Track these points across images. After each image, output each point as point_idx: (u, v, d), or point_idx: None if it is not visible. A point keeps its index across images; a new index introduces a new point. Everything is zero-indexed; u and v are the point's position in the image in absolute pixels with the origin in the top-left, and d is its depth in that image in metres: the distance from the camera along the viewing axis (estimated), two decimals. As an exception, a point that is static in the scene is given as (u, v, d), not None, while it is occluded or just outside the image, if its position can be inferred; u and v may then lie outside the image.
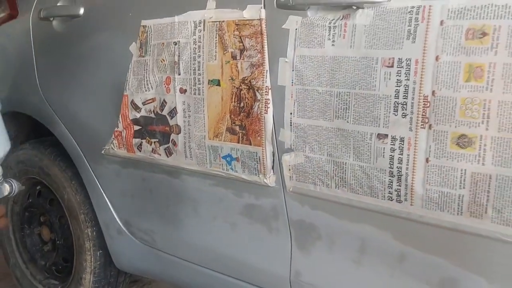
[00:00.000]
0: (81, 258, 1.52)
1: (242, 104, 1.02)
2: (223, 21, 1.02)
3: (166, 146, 1.18)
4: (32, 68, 1.48)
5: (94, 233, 1.48)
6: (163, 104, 1.16)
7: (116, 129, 1.27)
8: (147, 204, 1.31)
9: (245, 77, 1.00)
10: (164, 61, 1.13)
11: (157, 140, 1.19)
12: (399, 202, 0.85)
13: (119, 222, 1.39)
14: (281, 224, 1.05)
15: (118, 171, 1.34)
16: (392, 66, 0.81)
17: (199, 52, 1.07)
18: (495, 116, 0.73)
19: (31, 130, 1.80)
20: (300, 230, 1.02)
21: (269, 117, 0.98)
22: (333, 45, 0.88)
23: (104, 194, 1.40)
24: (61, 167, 1.53)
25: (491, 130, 0.74)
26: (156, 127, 1.19)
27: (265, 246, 1.09)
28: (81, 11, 1.34)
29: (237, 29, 1.00)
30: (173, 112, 1.14)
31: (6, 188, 1.15)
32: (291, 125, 0.96)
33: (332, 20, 0.88)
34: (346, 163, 0.90)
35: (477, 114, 0.74)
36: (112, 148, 1.30)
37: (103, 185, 1.40)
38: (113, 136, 1.28)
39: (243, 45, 1.00)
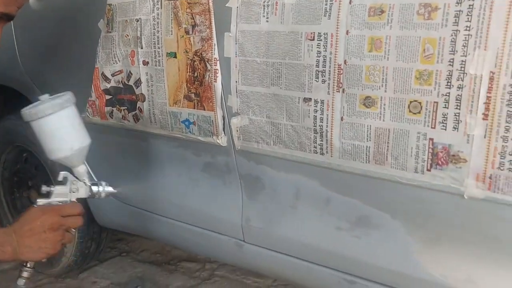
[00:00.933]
0: (66, 216, 1.68)
1: (195, 74, 1.16)
2: (177, 0, 1.16)
3: (134, 113, 1.33)
4: (12, 44, 1.61)
5: (77, 194, 1.64)
6: (129, 75, 1.30)
7: (90, 98, 1.41)
8: (121, 166, 1.47)
9: (197, 49, 1.14)
10: (128, 36, 1.27)
11: (126, 107, 1.34)
12: (322, 154, 1.01)
13: (97, 182, 1.55)
14: (233, 178, 1.22)
15: (93, 137, 1.48)
16: (313, 39, 0.96)
17: (158, 28, 1.21)
18: (391, 80, 0.88)
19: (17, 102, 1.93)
20: (249, 182, 1.19)
21: (218, 85, 1.13)
22: (267, 21, 1.02)
23: (83, 158, 1.55)
24: (44, 135, 1.67)
25: (388, 92, 0.89)
26: (124, 96, 1.33)
27: (221, 198, 1.26)
28: (55, -10, 1.46)
29: (189, 7, 1.14)
30: (138, 82, 1.28)
31: (83, 191, 1.08)
32: (236, 92, 1.11)
33: (266, -1, 1.02)
34: (280, 123, 1.06)
35: (378, 79, 0.90)
36: (87, 116, 1.45)
37: (82, 150, 1.55)
38: (88, 105, 1.43)
39: (194, 21, 1.14)
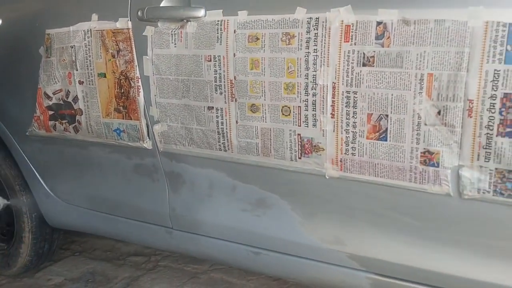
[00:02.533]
0: (20, 221, 1.86)
1: (122, 90, 1.39)
2: (104, 30, 1.38)
3: (73, 125, 1.54)
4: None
5: (29, 199, 1.82)
6: (68, 93, 1.51)
7: (35, 114, 1.61)
8: (66, 171, 1.67)
9: (122, 70, 1.38)
10: (65, 60, 1.48)
11: (67, 121, 1.55)
12: (225, 151, 1.27)
13: (46, 188, 1.74)
14: (160, 176, 1.45)
15: (41, 148, 1.69)
16: (210, 61, 1.21)
17: (89, 53, 1.43)
18: (268, 91, 1.15)
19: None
20: (172, 178, 1.43)
21: (141, 99, 1.37)
22: (175, 46, 1.27)
23: (32, 167, 1.74)
24: (-5, 149, 1.85)
25: (267, 100, 1.15)
26: (65, 111, 1.54)
27: (151, 193, 1.49)
28: (-1, 21, 1.65)
29: (113, 35, 1.37)
30: (75, 99, 1.50)
31: None
32: (156, 103, 1.35)
33: (173, 29, 1.26)
34: (192, 128, 1.30)
35: (258, 91, 1.16)
36: (34, 129, 1.65)
37: (31, 160, 1.74)
38: (33, 120, 1.63)
39: (119, 47, 1.37)
